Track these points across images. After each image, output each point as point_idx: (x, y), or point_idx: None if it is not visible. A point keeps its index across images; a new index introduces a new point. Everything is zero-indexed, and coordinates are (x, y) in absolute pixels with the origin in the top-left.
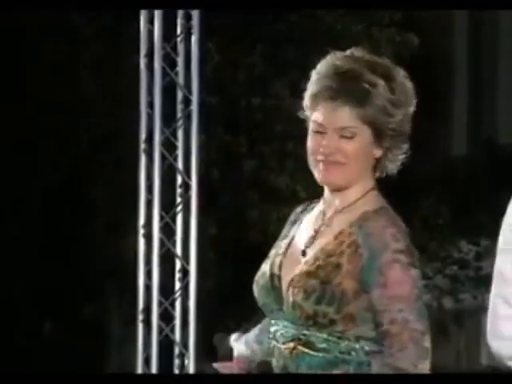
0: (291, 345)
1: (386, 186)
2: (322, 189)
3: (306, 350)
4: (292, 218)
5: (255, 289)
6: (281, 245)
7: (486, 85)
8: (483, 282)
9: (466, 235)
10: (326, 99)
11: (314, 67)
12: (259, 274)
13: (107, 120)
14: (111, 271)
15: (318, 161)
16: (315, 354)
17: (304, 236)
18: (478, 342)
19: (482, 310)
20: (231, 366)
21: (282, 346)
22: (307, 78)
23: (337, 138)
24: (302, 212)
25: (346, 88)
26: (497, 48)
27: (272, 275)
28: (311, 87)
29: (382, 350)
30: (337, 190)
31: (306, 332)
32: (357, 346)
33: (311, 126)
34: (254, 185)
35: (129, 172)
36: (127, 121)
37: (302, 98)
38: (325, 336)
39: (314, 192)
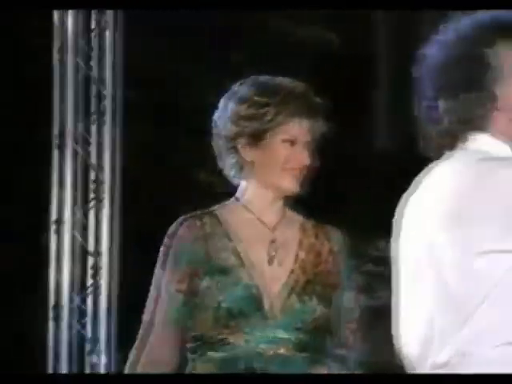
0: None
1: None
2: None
3: (291, 353)
4: (191, 232)
5: (221, 302)
6: (227, 259)
7: (404, 81)
8: None
9: (383, 234)
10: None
11: (237, 65)
12: (220, 290)
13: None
14: (22, 268)
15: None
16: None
17: (255, 246)
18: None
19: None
20: None
21: (267, 350)
22: (230, 76)
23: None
24: (205, 225)
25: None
26: (414, 45)
27: (248, 288)
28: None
29: None
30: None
31: (297, 336)
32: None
33: (282, 137)
34: (176, 180)
35: (42, 168)
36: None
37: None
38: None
39: (233, 189)
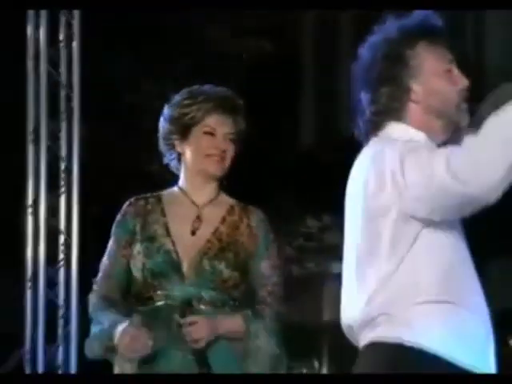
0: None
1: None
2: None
3: (204, 308)
4: (134, 210)
5: (146, 264)
6: (156, 230)
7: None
8: (325, 251)
9: (311, 212)
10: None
11: (181, 67)
12: (146, 255)
13: None
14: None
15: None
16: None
17: (184, 222)
18: (321, 304)
19: (324, 276)
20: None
21: (184, 305)
22: (177, 78)
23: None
24: (148, 203)
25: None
26: (341, 48)
27: (168, 253)
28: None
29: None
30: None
31: (209, 293)
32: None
33: (204, 130)
34: (130, 172)
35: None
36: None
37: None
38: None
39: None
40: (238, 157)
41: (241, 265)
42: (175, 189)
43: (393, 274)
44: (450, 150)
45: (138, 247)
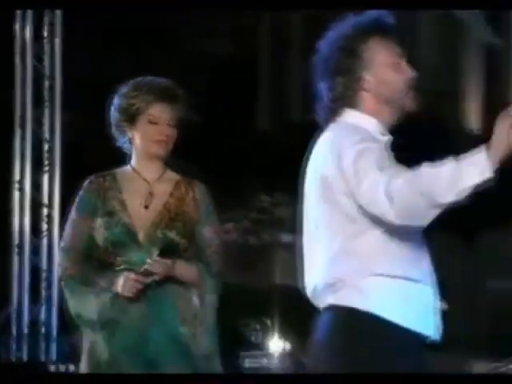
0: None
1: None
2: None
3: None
4: (94, 187)
5: (106, 235)
6: (114, 206)
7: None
8: (276, 223)
9: (264, 189)
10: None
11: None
12: (106, 227)
13: None
14: None
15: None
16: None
17: (137, 197)
18: (273, 269)
19: (275, 245)
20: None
21: (141, 267)
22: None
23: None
24: (105, 181)
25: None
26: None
27: (125, 225)
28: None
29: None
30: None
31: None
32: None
33: (148, 118)
34: (105, 152)
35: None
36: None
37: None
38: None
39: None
40: (202, 140)
41: (188, 231)
42: (128, 167)
43: (352, 245)
44: (392, 179)
45: (99, 221)
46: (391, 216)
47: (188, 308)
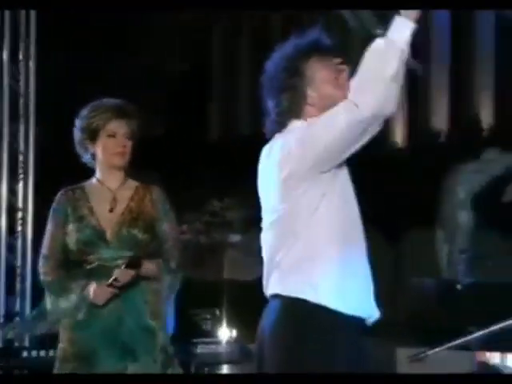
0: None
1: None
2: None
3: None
4: (65, 198)
5: (78, 237)
6: (84, 212)
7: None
8: (226, 226)
9: (215, 195)
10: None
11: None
12: (78, 230)
13: None
14: None
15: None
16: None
17: (103, 203)
18: (222, 265)
19: (224, 244)
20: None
21: (111, 264)
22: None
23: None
24: (75, 193)
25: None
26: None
27: (94, 227)
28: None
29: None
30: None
31: (128, 252)
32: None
33: (106, 133)
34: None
35: None
36: None
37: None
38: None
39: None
40: (160, 150)
41: (149, 228)
42: (93, 180)
43: (297, 238)
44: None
45: (71, 226)
46: (366, 111)
47: (157, 302)
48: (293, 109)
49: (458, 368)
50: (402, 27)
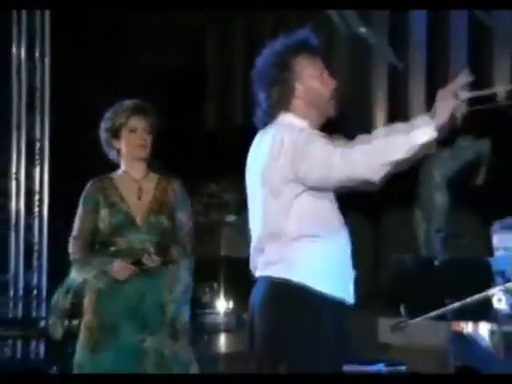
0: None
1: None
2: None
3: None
4: (95, 187)
5: (111, 221)
6: (115, 199)
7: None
8: (222, 207)
9: (213, 178)
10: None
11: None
12: (111, 215)
13: None
14: None
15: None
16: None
17: (131, 192)
18: (219, 244)
19: (221, 224)
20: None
21: (139, 246)
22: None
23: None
24: (104, 182)
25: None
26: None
27: (126, 213)
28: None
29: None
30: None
31: (156, 238)
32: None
33: (128, 129)
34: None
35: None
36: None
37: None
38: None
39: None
40: (161, 142)
41: (171, 216)
42: (120, 171)
43: (279, 223)
44: (342, 147)
45: (103, 212)
46: (357, 174)
47: (174, 284)
48: (282, 101)
49: (436, 336)
50: (426, 134)
